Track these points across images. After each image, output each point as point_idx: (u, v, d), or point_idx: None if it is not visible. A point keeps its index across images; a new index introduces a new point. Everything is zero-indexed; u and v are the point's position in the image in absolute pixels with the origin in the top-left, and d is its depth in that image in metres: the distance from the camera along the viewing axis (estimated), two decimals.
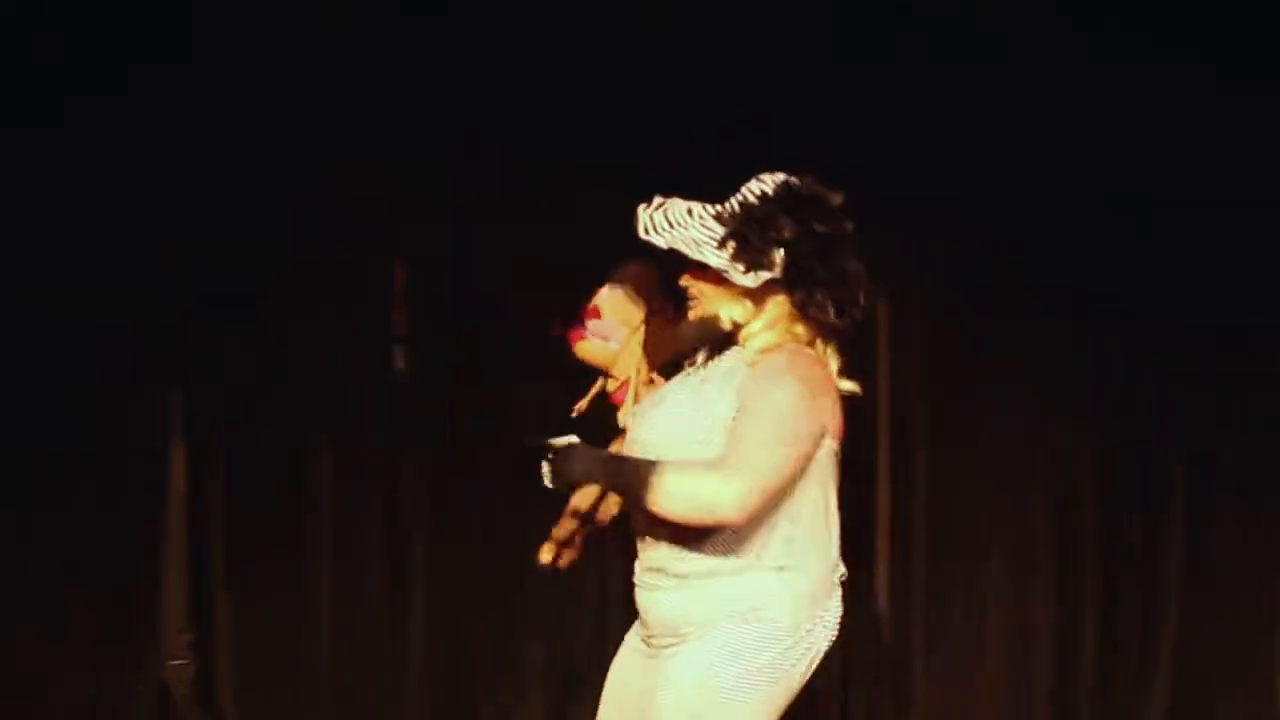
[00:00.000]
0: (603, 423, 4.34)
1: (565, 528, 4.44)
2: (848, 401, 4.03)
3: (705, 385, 4.05)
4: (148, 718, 6.33)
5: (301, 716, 6.42)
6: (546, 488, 4.01)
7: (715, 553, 3.99)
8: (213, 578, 6.38)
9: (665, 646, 4.05)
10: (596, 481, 4.08)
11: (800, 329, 4.04)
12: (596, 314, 4.37)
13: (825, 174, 4.29)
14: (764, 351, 4.04)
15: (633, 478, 3.95)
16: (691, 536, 4.00)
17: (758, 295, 4.04)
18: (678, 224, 4.09)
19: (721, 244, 4.03)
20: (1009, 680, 6.48)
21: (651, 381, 4.38)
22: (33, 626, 6.22)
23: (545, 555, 4.45)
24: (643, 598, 4.10)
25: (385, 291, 6.47)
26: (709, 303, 4.09)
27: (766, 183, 4.11)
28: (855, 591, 6.07)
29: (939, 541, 6.47)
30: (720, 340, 4.10)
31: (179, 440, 6.36)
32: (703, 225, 4.07)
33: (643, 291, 4.36)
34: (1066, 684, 6.48)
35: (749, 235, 4.03)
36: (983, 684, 6.48)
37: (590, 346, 4.41)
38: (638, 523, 4.08)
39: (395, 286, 6.47)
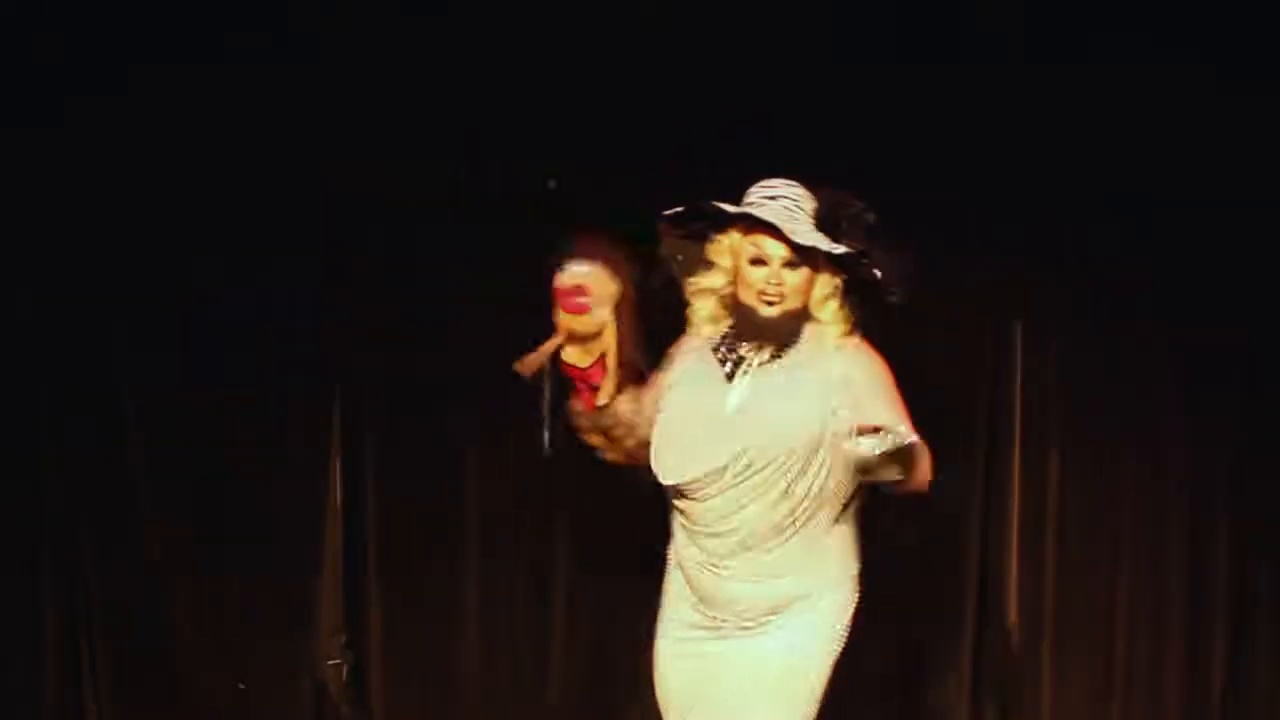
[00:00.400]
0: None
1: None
2: None
3: (800, 373, 4.41)
4: (305, 713, 6.56)
5: (447, 714, 6.57)
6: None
7: (812, 540, 4.48)
8: (366, 583, 6.55)
9: (759, 623, 4.48)
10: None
11: (849, 319, 4.47)
12: (585, 291, 4.43)
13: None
14: (840, 339, 4.46)
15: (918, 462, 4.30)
16: (797, 528, 4.45)
17: (832, 295, 4.44)
18: (801, 224, 4.40)
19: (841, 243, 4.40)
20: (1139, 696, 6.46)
21: (625, 364, 4.49)
22: (200, 627, 6.51)
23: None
24: (737, 588, 4.48)
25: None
26: (794, 299, 4.42)
27: (808, 191, 4.47)
28: (984, 606, 6.41)
29: (1071, 557, 6.44)
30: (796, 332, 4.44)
31: (335, 455, 6.53)
32: (813, 227, 4.42)
33: (616, 270, 4.47)
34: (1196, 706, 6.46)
35: (857, 239, 4.40)
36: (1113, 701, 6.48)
37: (587, 320, 4.45)
38: (723, 515, 4.44)
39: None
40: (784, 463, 4.43)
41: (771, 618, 4.53)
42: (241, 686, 6.51)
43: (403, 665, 6.59)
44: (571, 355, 4.50)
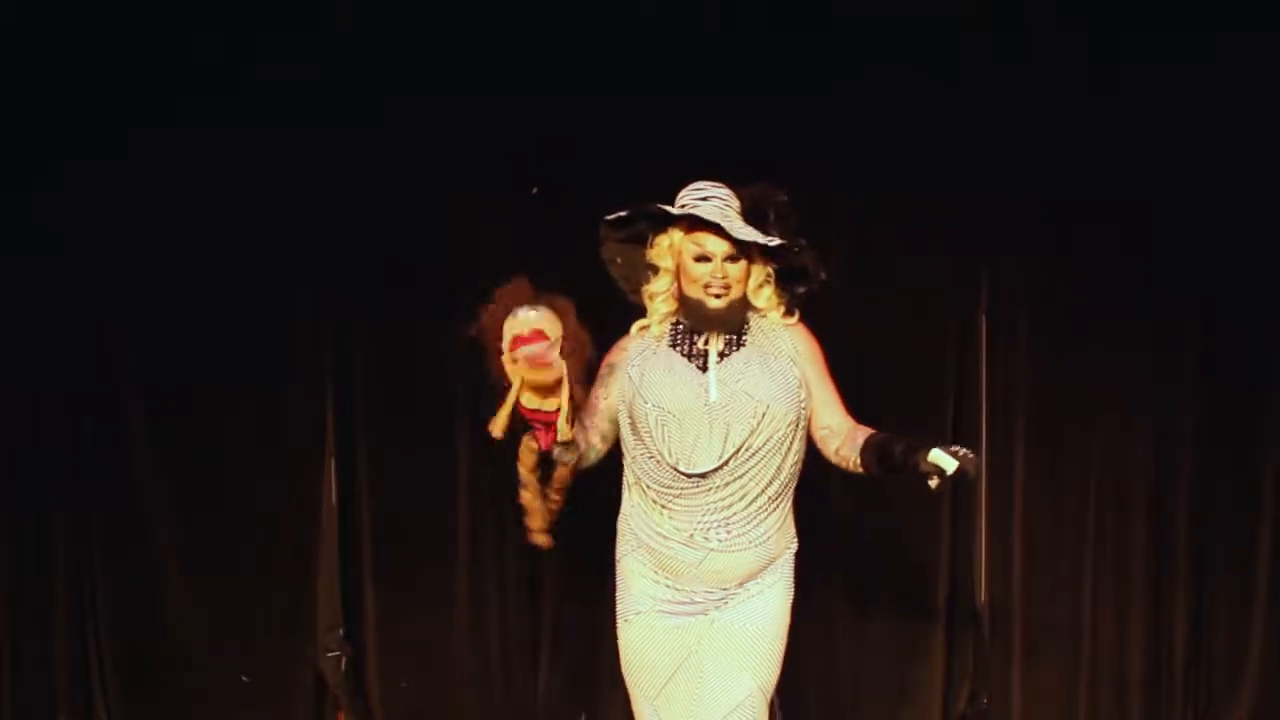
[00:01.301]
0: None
1: (555, 504, 4.86)
2: None
3: (765, 355, 4.77)
4: (305, 703, 6.67)
5: (440, 702, 6.67)
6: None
7: (785, 508, 4.80)
8: (361, 578, 6.65)
9: (735, 592, 4.77)
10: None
11: (783, 302, 4.82)
12: (543, 336, 4.47)
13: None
14: (787, 321, 4.83)
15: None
16: (780, 499, 4.76)
17: (767, 281, 4.78)
18: (734, 220, 4.72)
19: (779, 237, 4.72)
20: (1102, 667, 6.57)
21: (576, 397, 4.58)
22: (203, 622, 6.62)
23: (540, 539, 4.89)
24: (721, 560, 4.75)
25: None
26: (736, 289, 4.76)
27: (735, 190, 4.80)
28: (954, 587, 6.55)
29: (1037, 542, 6.57)
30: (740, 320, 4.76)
31: (330, 454, 6.63)
32: (744, 222, 4.74)
33: (559, 309, 4.58)
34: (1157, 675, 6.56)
35: (784, 229, 4.74)
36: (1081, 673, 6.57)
37: (548, 370, 4.47)
38: (720, 496, 4.71)
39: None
40: (781, 436, 4.77)
41: (745, 584, 4.83)
42: (246, 679, 6.64)
43: (398, 656, 6.69)
44: (530, 400, 4.55)
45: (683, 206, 4.79)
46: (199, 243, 6.54)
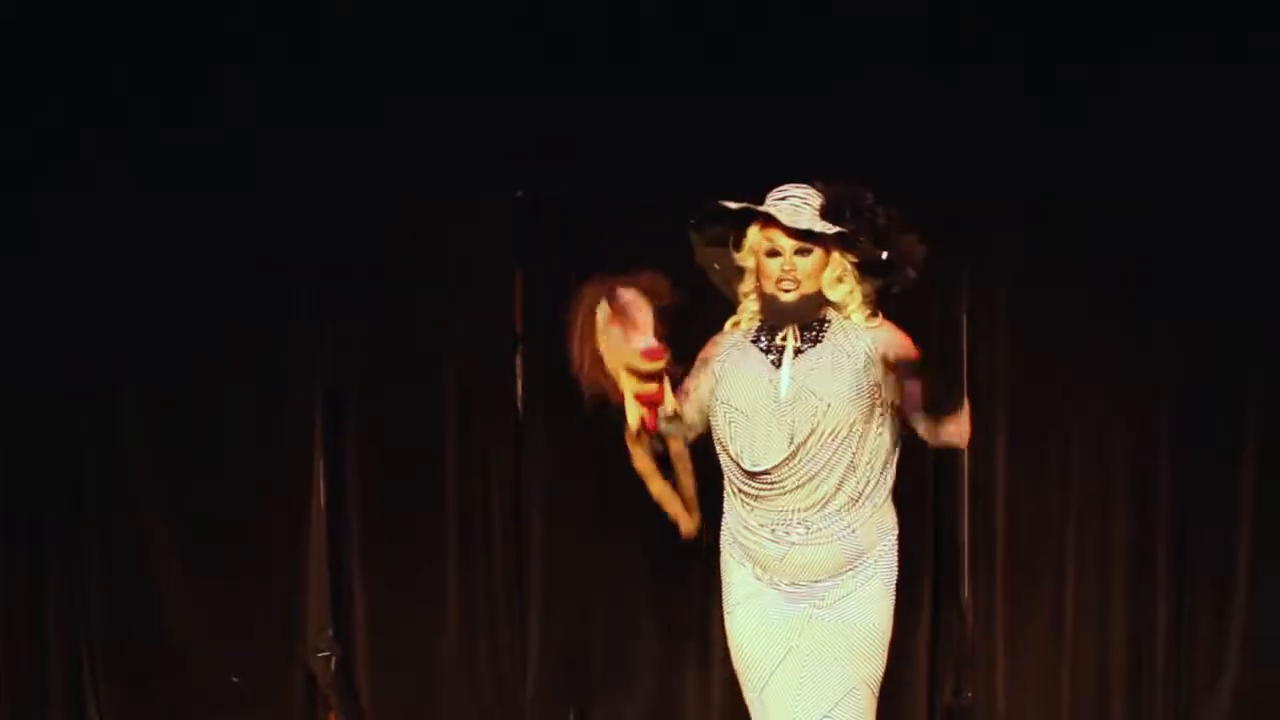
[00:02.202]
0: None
1: (688, 485, 4.85)
2: None
3: (839, 352, 4.77)
4: (296, 702, 6.71)
5: (430, 700, 6.71)
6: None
7: (874, 503, 4.81)
8: (350, 578, 6.70)
9: (829, 585, 4.78)
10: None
11: (865, 299, 4.83)
12: (639, 309, 4.60)
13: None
14: (869, 319, 4.82)
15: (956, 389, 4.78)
16: (861, 496, 4.77)
17: (845, 276, 4.79)
18: (805, 216, 4.75)
19: (855, 232, 4.75)
20: (1084, 660, 6.58)
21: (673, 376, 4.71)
22: (194, 623, 6.67)
23: (688, 527, 4.88)
24: (803, 554, 4.77)
25: (506, 302, 6.68)
26: (809, 283, 4.78)
27: (820, 188, 4.82)
28: (938, 582, 6.60)
29: (1020, 537, 6.59)
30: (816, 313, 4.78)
31: (319, 456, 6.67)
32: (817, 217, 4.76)
33: (651, 291, 4.67)
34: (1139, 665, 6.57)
35: (861, 225, 4.75)
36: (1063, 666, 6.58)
37: (655, 361, 4.61)
38: (795, 496, 4.72)
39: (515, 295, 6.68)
40: (845, 436, 4.78)
41: (841, 576, 4.84)
42: (236, 680, 6.68)
43: (387, 655, 6.73)
44: (630, 384, 4.65)
45: (748, 205, 4.83)
46: (195, 243, 6.59)
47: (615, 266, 6.45)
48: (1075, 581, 6.60)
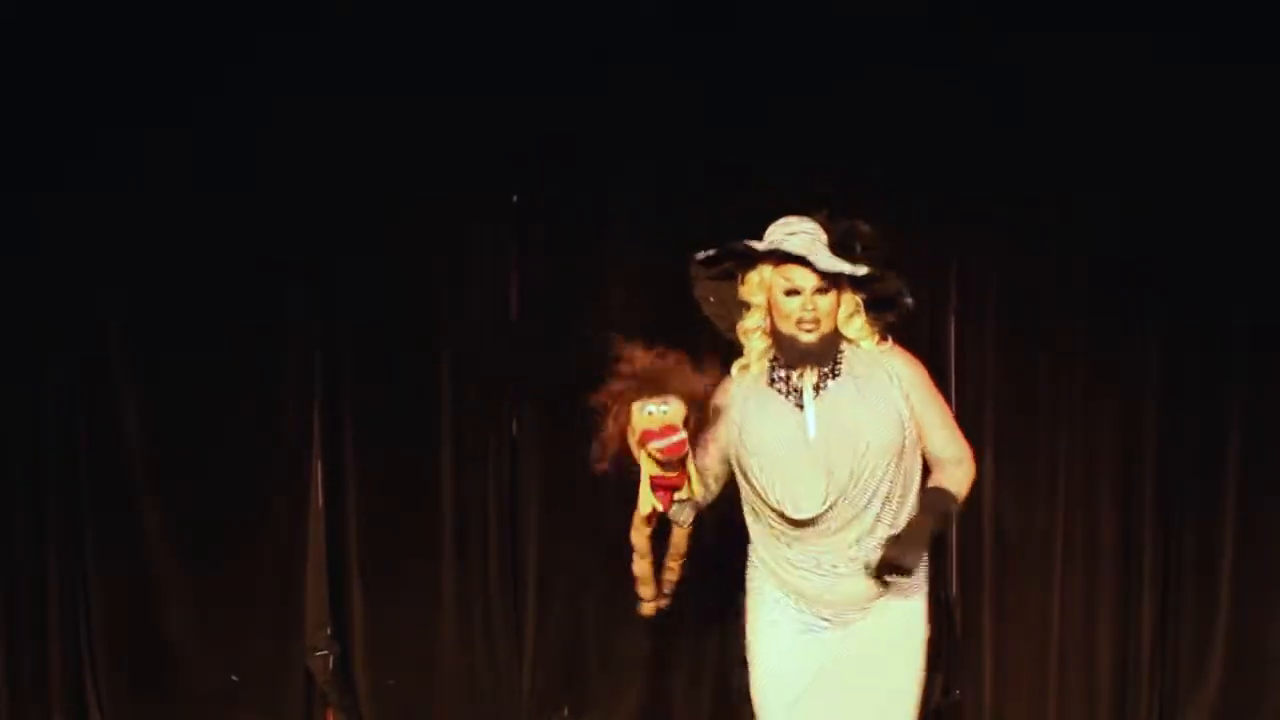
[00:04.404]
0: None
1: (674, 572, 4.89)
2: None
3: (861, 382, 4.72)
4: (295, 700, 6.74)
5: (427, 698, 6.73)
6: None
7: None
8: (348, 578, 6.71)
9: (871, 606, 4.75)
10: (937, 534, 4.76)
11: (876, 329, 4.79)
12: (673, 430, 4.59)
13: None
14: (881, 347, 4.77)
15: (952, 509, 4.76)
16: (901, 508, 4.75)
17: (857, 312, 4.75)
18: (822, 253, 4.70)
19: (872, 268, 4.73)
20: (1071, 658, 6.62)
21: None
22: (194, 622, 6.70)
23: (650, 608, 4.93)
24: (850, 584, 4.74)
25: (503, 303, 6.72)
26: (828, 322, 4.72)
27: (820, 223, 4.78)
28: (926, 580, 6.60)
29: (1006, 532, 6.62)
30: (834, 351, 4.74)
31: (317, 457, 6.69)
32: (831, 255, 4.72)
33: (680, 385, 4.68)
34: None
35: (873, 259, 4.73)
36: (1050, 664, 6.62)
37: (681, 456, 4.64)
38: (839, 538, 4.70)
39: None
40: (887, 467, 4.74)
41: (881, 597, 4.81)
42: (235, 678, 6.72)
43: (385, 654, 6.76)
44: (652, 468, 4.67)
45: (771, 242, 4.76)
46: (193, 243, 6.61)
47: (612, 266, 6.59)
48: (1061, 581, 6.64)
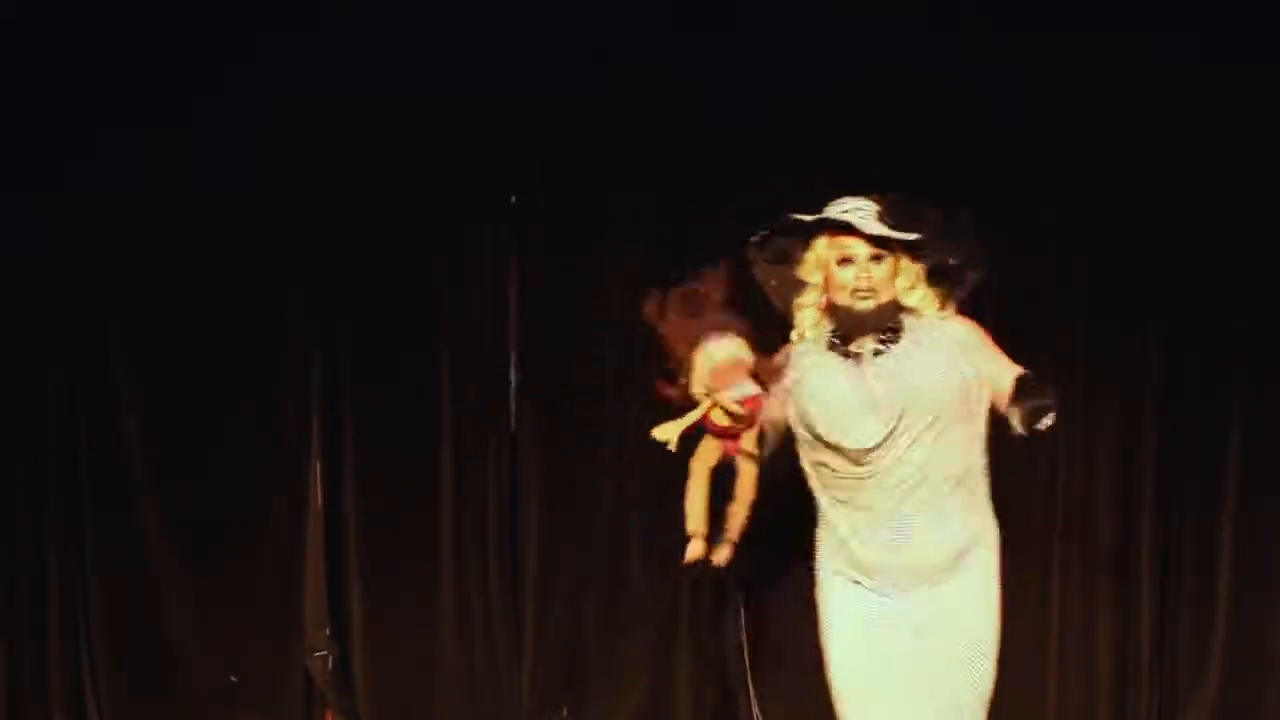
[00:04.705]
0: None
1: (736, 516, 4.90)
2: None
3: (921, 345, 4.71)
4: (295, 701, 6.77)
5: (427, 699, 6.76)
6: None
7: (974, 494, 4.78)
8: (347, 578, 6.74)
9: (937, 585, 4.73)
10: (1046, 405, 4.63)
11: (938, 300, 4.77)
12: (741, 365, 4.71)
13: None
14: (941, 315, 4.75)
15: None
16: (961, 486, 4.73)
17: (916, 283, 4.72)
18: (872, 224, 4.67)
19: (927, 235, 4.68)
20: (1070, 661, 6.62)
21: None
22: (193, 622, 6.72)
23: (699, 546, 4.96)
24: (912, 553, 4.71)
25: (502, 304, 6.74)
26: (885, 290, 4.71)
27: (873, 198, 4.74)
28: None
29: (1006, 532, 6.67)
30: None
31: (315, 458, 6.72)
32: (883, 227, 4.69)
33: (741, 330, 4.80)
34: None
35: (929, 232, 4.69)
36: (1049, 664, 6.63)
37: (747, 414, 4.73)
38: (894, 485, 4.67)
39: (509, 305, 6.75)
40: (944, 425, 4.71)
41: (947, 574, 4.77)
42: (234, 679, 6.74)
43: (384, 654, 6.78)
44: (721, 418, 4.73)
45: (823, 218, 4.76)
46: (193, 243, 6.64)
47: (612, 266, 6.61)
48: (1061, 581, 6.65)
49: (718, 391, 4.63)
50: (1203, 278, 6.53)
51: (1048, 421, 4.64)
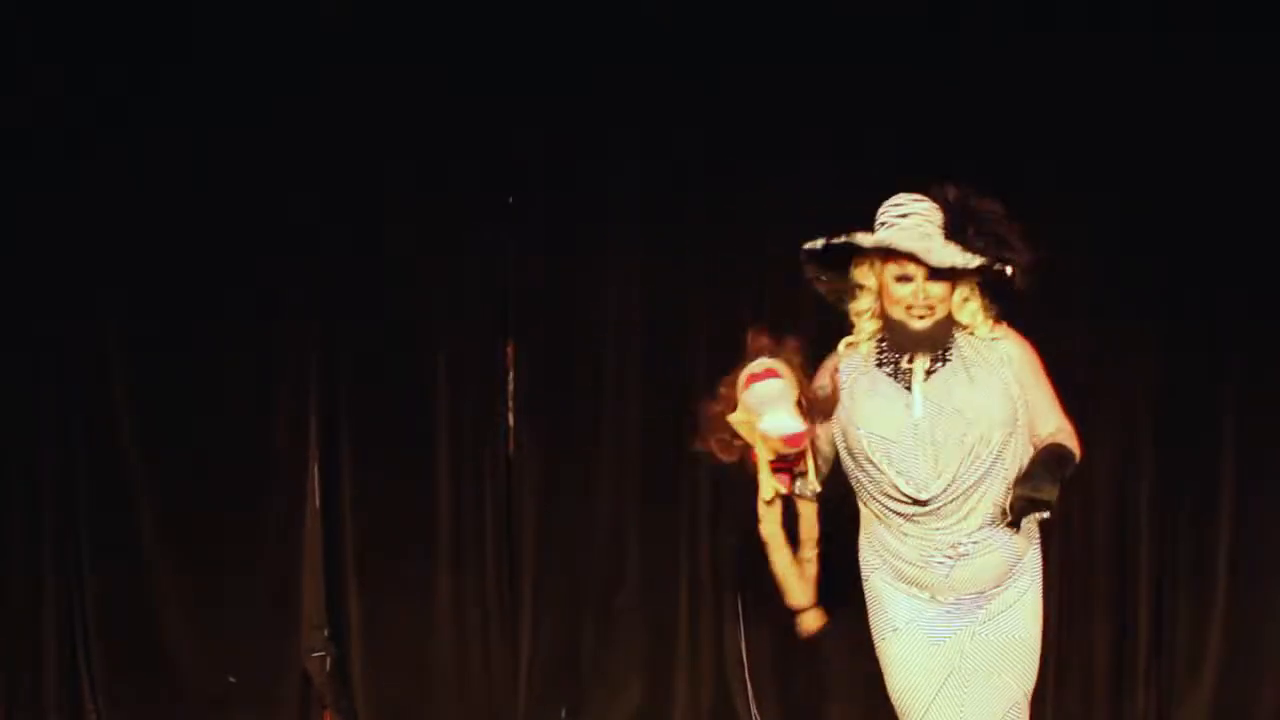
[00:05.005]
0: None
1: (812, 563, 4.70)
2: None
3: (973, 366, 4.62)
4: (292, 701, 6.75)
5: (423, 699, 6.74)
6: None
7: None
8: (345, 579, 6.72)
9: (992, 596, 4.66)
10: (1060, 485, 4.58)
11: (990, 312, 4.67)
12: (774, 374, 4.49)
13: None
14: (995, 333, 4.66)
15: (1070, 466, 4.64)
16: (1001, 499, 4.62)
17: (971, 295, 4.63)
18: (935, 238, 4.58)
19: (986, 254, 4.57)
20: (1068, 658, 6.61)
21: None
22: (190, 623, 6.70)
23: (812, 618, 4.74)
24: (967, 569, 4.64)
25: (500, 304, 6.72)
26: (941, 308, 4.61)
27: (935, 200, 4.64)
28: None
29: None
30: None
31: (314, 458, 6.71)
32: (944, 238, 4.60)
33: (789, 360, 4.58)
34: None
35: (987, 242, 4.58)
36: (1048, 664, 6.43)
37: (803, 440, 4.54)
38: (951, 520, 4.60)
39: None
40: (997, 449, 4.63)
41: (1001, 585, 4.70)
42: (232, 680, 6.73)
43: (382, 655, 6.77)
44: (769, 455, 4.57)
45: (882, 224, 4.65)
46: (190, 243, 6.63)
47: (612, 266, 6.60)
48: (1059, 580, 6.54)
49: (753, 417, 4.52)
50: (1202, 277, 6.54)
51: (1039, 516, 4.63)
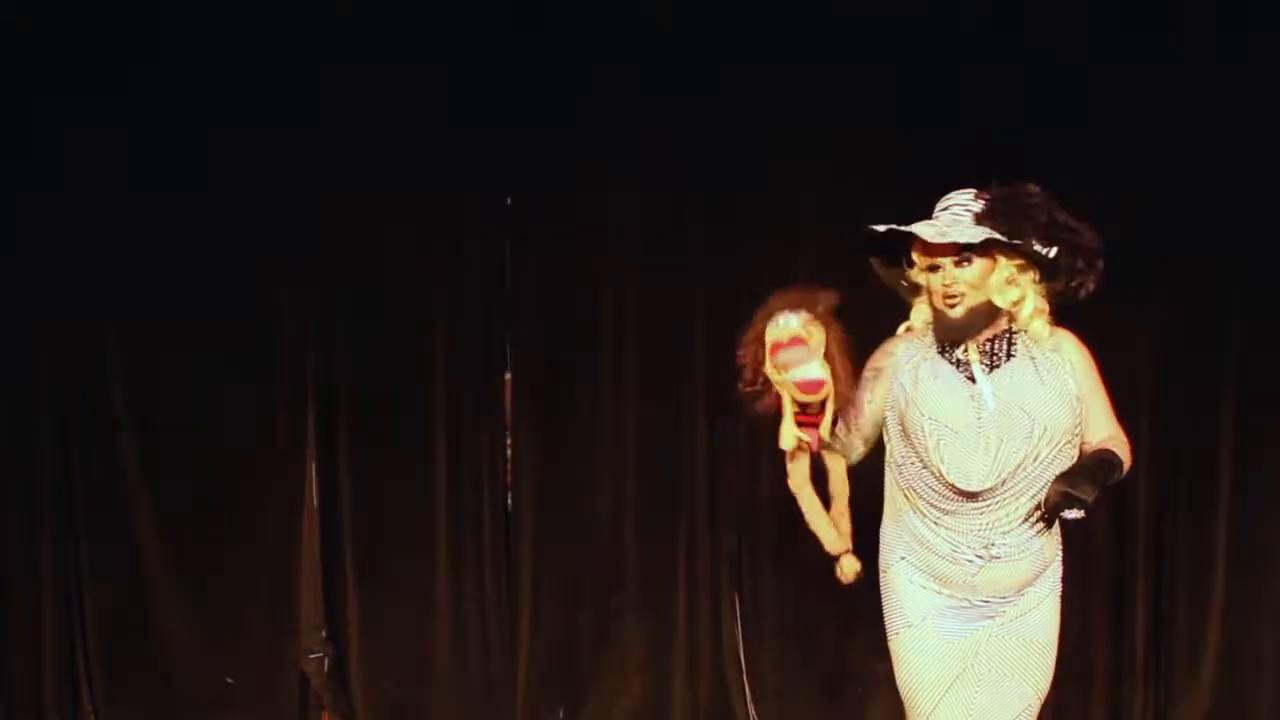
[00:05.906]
0: None
1: (845, 518, 4.74)
2: None
3: (1039, 366, 4.62)
4: (290, 702, 6.77)
5: (422, 701, 6.76)
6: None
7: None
8: (343, 581, 6.75)
9: (1013, 601, 4.68)
10: (1100, 490, 4.59)
11: (1041, 305, 4.66)
12: (801, 341, 4.48)
13: None
14: (1053, 330, 4.68)
15: (1115, 473, 4.64)
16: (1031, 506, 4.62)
17: (1016, 280, 4.61)
18: (964, 224, 4.57)
19: (1024, 236, 4.55)
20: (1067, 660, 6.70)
21: (841, 398, 4.62)
22: (188, 624, 6.73)
23: (850, 565, 4.78)
24: (997, 570, 4.65)
25: (499, 304, 6.76)
26: (973, 295, 4.60)
27: (981, 191, 4.64)
28: None
29: None
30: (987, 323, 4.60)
31: (311, 458, 6.73)
32: (974, 224, 4.58)
33: (821, 312, 4.58)
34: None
35: (1019, 225, 4.56)
36: None
37: (817, 392, 4.54)
38: (995, 516, 4.59)
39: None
40: (1054, 453, 4.65)
41: (1023, 591, 4.73)
42: (230, 680, 6.74)
43: (380, 655, 6.79)
44: (794, 407, 4.58)
45: (903, 227, 4.65)
46: (188, 244, 6.64)
47: (612, 267, 6.62)
48: None
49: (780, 371, 4.53)
50: (1201, 277, 6.56)
51: (1073, 515, 4.62)
